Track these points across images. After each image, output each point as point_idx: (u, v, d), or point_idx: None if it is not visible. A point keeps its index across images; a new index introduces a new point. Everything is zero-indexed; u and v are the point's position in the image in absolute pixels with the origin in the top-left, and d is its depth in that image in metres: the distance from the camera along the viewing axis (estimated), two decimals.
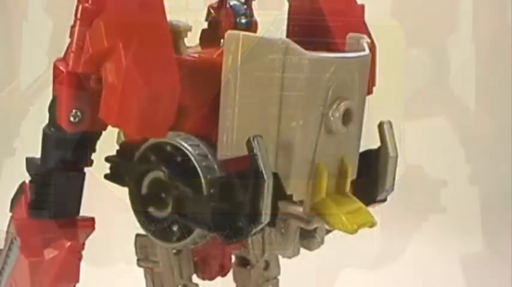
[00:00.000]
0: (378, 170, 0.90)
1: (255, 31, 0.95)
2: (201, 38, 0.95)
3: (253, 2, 0.96)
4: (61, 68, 0.84)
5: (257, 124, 0.80)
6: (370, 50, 0.86)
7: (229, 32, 0.82)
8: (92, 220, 0.95)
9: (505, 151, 2.31)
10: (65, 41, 0.83)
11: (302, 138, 0.80)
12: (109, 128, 0.86)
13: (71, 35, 0.82)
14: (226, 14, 0.93)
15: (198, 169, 0.82)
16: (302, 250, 0.89)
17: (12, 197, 0.94)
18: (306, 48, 0.79)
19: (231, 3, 0.94)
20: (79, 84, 0.84)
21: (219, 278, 0.99)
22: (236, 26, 0.93)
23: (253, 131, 0.78)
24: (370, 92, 0.91)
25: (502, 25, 2.35)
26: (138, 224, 0.88)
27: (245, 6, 0.94)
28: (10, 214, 0.94)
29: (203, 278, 0.98)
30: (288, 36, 0.96)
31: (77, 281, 0.92)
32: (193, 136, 0.85)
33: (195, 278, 0.97)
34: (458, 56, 2.36)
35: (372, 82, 0.93)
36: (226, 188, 0.79)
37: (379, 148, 0.91)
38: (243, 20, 0.94)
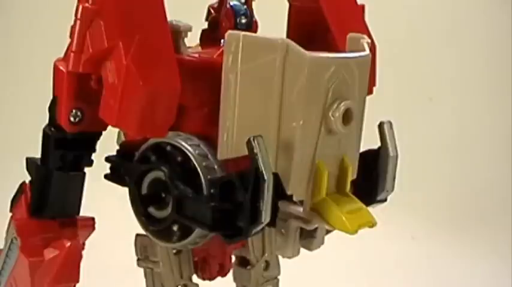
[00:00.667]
0: (378, 170, 0.90)
1: (255, 31, 0.95)
2: (201, 38, 0.95)
3: (253, 2, 0.96)
4: (61, 68, 0.84)
5: (257, 124, 0.80)
6: (370, 50, 0.86)
7: (230, 32, 0.82)
8: (92, 219, 0.95)
9: (505, 150, 2.31)
10: (65, 41, 0.83)
11: (302, 138, 0.80)
12: (109, 128, 0.86)
13: (71, 35, 0.82)
14: (226, 14, 0.93)
15: (198, 169, 0.82)
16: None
17: (12, 197, 0.94)
18: (306, 48, 0.79)
19: (231, 3, 0.94)
20: (79, 85, 0.84)
21: (219, 278, 0.99)
22: (236, 26, 0.93)
23: (254, 131, 0.78)
24: (370, 92, 0.91)
25: (502, 25, 2.35)
26: (138, 224, 0.88)
27: (245, 7, 0.94)
28: (10, 214, 0.94)
29: (203, 278, 0.98)
30: (288, 36, 0.96)
31: (77, 281, 0.92)
32: (193, 136, 0.85)
33: (195, 278, 0.97)
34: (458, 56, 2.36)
35: (372, 82, 0.94)
36: (226, 188, 0.79)
37: (379, 147, 0.91)
38: (243, 20, 0.94)
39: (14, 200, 0.93)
